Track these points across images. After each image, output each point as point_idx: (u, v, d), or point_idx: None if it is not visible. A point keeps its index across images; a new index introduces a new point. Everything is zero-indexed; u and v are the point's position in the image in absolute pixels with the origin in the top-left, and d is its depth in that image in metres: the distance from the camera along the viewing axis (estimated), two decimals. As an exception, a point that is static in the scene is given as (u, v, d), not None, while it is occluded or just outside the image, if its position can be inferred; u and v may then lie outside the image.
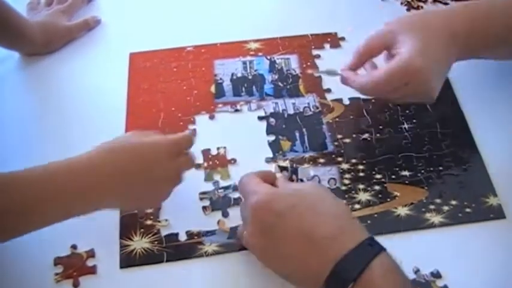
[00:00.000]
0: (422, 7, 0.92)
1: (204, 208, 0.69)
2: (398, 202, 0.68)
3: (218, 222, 0.67)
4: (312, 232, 0.54)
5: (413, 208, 0.68)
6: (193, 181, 0.71)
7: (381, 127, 0.75)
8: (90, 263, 0.64)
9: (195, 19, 0.92)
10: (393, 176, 0.71)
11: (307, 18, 0.91)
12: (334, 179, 0.70)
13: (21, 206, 0.56)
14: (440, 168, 0.71)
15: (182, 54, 0.86)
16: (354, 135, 0.75)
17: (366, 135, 0.75)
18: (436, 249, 0.64)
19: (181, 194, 0.70)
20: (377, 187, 0.70)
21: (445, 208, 0.67)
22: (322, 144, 0.74)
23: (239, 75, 0.83)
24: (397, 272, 0.52)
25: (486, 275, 0.62)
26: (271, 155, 0.73)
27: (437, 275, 0.62)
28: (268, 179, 0.61)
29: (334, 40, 0.87)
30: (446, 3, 0.92)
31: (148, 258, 0.65)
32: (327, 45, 0.87)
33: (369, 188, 0.70)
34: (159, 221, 0.67)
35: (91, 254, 0.65)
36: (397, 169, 0.71)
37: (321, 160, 0.73)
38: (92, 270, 0.64)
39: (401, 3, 0.93)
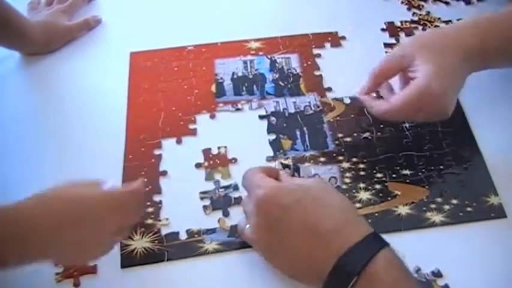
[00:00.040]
0: (423, 6, 0.92)
1: (205, 207, 0.69)
2: (399, 201, 0.68)
3: (219, 220, 0.67)
4: (316, 225, 0.54)
5: (414, 207, 0.68)
6: (194, 180, 0.71)
7: (381, 126, 0.75)
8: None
9: (196, 18, 0.92)
10: (394, 175, 0.71)
11: (307, 18, 0.91)
12: (334, 177, 0.70)
13: None
14: (441, 167, 0.71)
15: (183, 53, 0.86)
16: (355, 134, 0.75)
17: (366, 134, 0.75)
18: (437, 248, 0.64)
19: (181, 193, 0.70)
20: (378, 186, 0.70)
21: (446, 207, 0.67)
22: (323, 143, 0.74)
23: (240, 74, 0.83)
24: (400, 266, 0.53)
25: (487, 274, 0.62)
26: (272, 154, 0.73)
27: (438, 274, 0.62)
28: (272, 174, 0.62)
29: (334, 39, 0.87)
30: (447, 3, 0.92)
31: (149, 258, 0.65)
32: (328, 45, 0.87)
33: (369, 187, 0.69)
34: (159, 220, 0.67)
35: (92, 253, 0.65)
36: (398, 168, 0.71)
37: (322, 159, 0.73)
38: (93, 270, 0.64)
39: (402, 2, 0.93)
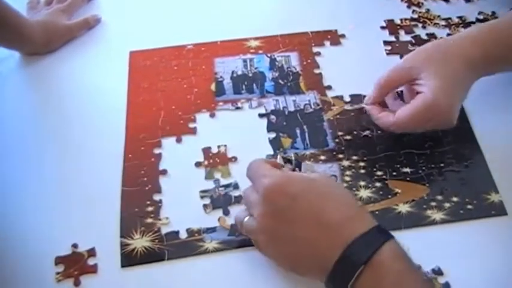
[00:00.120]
0: (422, 3, 0.92)
1: (205, 206, 0.68)
2: (399, 199, 0.68)
3: (219, 219, 0.67)
4: (323, 216, 0.55)
5: (414, 205, 0.67)
6: (194, 179, 0.71)
7: (381, 124, 0.75)
8: (91, 262, 0.64)
9: (195, 17, 0.92)
10: (394, 173, 0.70)
11: (307, 16, 0.91)
12: (335, 176, 0.70)
13: None
14: (442, 165, 0.71)
15: (182, 52, 0.86)
16: (355, 132, 0.75)
17: (366, 132, 0.75)
18: (438, 246, 0.64)
19: (181, 192, 0.70)
20: (378, 184, 0.70)
21: (447, 205, 0.67)
22: (323, 141, 0.74)
23: (239, 73, 0.83)
24: (405, 258, 0.53)
25: (488, 271, 0.62)
26: (272, 153, 0.73)
27: (438, 272, 0.62)
28: (276, 167, 0.62)
29: (334, 37, 0.87)
30: (447, 0, 0.92)
31: (149, 257, 0.64)
32: (327, 43, 0.87)
33: (370, 185, 0.69)
34: (159, 219, 0.67)
35: (92, 253, 0.65)
36: (398, 166, 0.71)
37: (322, 157, 0.72)
38: (93, 269, 0.64)
39: (402, 0, 0.93)
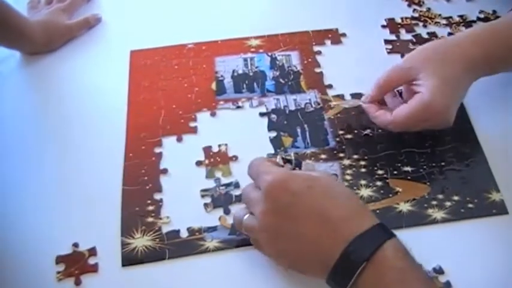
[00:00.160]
0: (423, 2, 0.92)
1: (206, 205, 0.68)
2: (400, 198, 0.68)
3: (219, 218, 0.67)
4: (326, 213, 0.55)
5: (415, 204, 0.67)
6: (195, 178, 0.71)
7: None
8: (91, 261, 0.64)
9: (196, 16, 0.92)
10: (395, 172, 0.70)
11: (307, 15, 0.91)
12: (335, 174, 0.70)
13: None
14: (443, 163, 0.71)
15: (183, 51, 0.86)
16: (356, 131, 0.75)
17: (367, 131, 0.75)
18: (439, 245, 0.64)
19: (182, 191, 0.70)
20: (379, 183, 0.69)
21: (448, 204, 0.67)
22: (324, 140, 0.74)
23: (240, 72, 0.83)
24: (408, 256, 0.53)
25: (489, 270, 0.62)
26: (272, 152, 0.73)
27: (439, 271, 0.62)
28: (277, 165, 0.62)
29: (335, 36, 0.87)
30: (447, -3, 0.92)
31: (150, 256, 0.64)
32: (328, 42, 0.87)
33: (370, 184, 0.69)
34: (160, 218, 0.67)
35: (93, 252, 0.65)
36: (399, 165, 0.71)
37: (323, 156, 0.72)
38: (94, 269, 0.64)
39: (402, -1, 0.93)
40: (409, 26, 0.88)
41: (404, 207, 0.67)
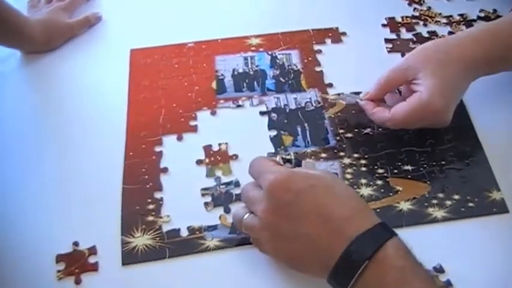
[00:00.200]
0: (424, 1, 0.91)
1: (206, 204, 0.68)
2: (400, 197, 0.68)
3: (220, 217, 0.67)
4: (328, 212, 0.55)
5: (415, 203, 0.67)
6: (195, 177, 0.71)
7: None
8: (92, 260, 0.64)
9: (196, 15, 0.91)
10: (395, 171, 0.70)
11: (308, 13, 0.91)
12: (336, 173, 0.70)
13: None
14: (443, 162, 0.71)
15: (183, 50, 0.86)
16: (356, 130, 0.75)
17: (368, 130, 0.75)
18: (439, 244, 0.64)
19: (182, 190, 0.70)
20: (379, 182, 0.69)
21: (448, 203, 0.67)
22: (324, 139, 0.74)
23: (240, 71, 0.83)
24: (409, 255, 0.53)
25: (489, 269, 0.62)
26: (273, 150, 0.73)
27: (440, 269, 0.62)
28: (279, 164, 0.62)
29: (335, 35, 0.87)
30: (447, -4, 0.92)
31: (150, 255, 0.64)
32: (328, 40, 0.86)
33: (371, 183, 0.69)
34: (160, 217, 0.67)
35: (93, 251, 0.65)
36: (400, 164, 0.71)
37: (323, 155, 0.72)
38: (94, 267, 0.64)
39: (402, -3, 0.93)
40: (409, 25, 0.88)
41: (405, 206, 0.67)
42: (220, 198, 0.69)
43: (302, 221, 0.55)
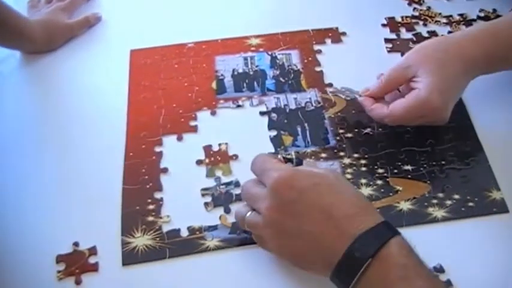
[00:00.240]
0: (423, 1, 0.92)
1: (206, 204, 0.68)
2: (400, 197, 0.68)
3: (220, 217, 0.67)
4: (331, 210, 0.55)
5: (415, 203, 0.67)
6: (195, 177, 0.71)
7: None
8: (92, 260, 0.64)
9: (196, 15, 0.92)
10: (395, 171, 0.70)
11: (308, 13, 0.91)
12: (336, 174, 0.70)
13: None
14: (443, 162, 0.71)
15: (183, 50, 0.86)
16: (356, 130, 0.75)
17: (368, 130, 0.75)
18: (439, 243, 0.64)
19: (182, 190, 0.70)
20: (379, 182, 0.69)
21: (448, 202, 0.67)
22: (324, 139, 0.74)
23: (240, 71, 0.83)
24: (413, 253, 0.53)
25: (489, 269, 0.62)
26: (273, 151, 0.73)
27: (440, 269, 0.61)
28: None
29: (335, 35, 0.87)
30: (447, -4, 0.92)
31: (150, 255, 0.64)
32: (328, 40, 0.87)
33: (371, 183, 0.69)
34: (160, 217, 0.67)
35: (93, 251, 0.65)
36: (400, 163, 0.71)
37: (323, 155, 0.72)
38: (94, 268, 0.64)
39: (402, -3, 0.93)
40: (409, 25, 0.88)
41: (405, 206, 0.67)
42: (220, 198, 0.69)
43: (305, 219, 0.55)
